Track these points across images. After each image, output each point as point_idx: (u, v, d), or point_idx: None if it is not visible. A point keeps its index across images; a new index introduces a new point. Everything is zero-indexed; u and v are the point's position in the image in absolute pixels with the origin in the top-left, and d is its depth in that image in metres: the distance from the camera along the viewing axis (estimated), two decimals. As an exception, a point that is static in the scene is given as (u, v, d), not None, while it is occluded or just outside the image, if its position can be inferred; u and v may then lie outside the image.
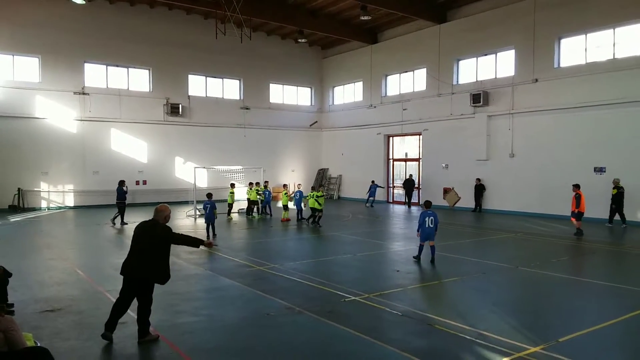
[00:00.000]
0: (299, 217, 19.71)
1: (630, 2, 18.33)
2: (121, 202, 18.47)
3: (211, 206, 15.12)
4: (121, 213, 18.51)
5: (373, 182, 27.27)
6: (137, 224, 6.68)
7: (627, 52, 18.76)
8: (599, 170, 19.32)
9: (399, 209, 25.97)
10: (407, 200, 26.99)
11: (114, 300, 6.56)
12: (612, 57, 19.15)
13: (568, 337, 6.47)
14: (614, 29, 19.12)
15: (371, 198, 26.76)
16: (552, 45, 20.85)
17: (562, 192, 18.97)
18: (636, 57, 18.31)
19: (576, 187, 16.17)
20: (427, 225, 11.52)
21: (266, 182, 23.73)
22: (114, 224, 18.47)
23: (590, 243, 14.61)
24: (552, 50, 20.84)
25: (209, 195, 15.74)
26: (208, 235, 15.18)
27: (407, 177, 27.43)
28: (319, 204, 18.19)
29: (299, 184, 24.04)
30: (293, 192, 21.31)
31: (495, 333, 6.58)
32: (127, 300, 6.43)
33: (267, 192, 22.22)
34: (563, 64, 20.73)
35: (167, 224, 6.62)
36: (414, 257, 11.81)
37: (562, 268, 11.38)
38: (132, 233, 6.55)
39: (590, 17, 19.46)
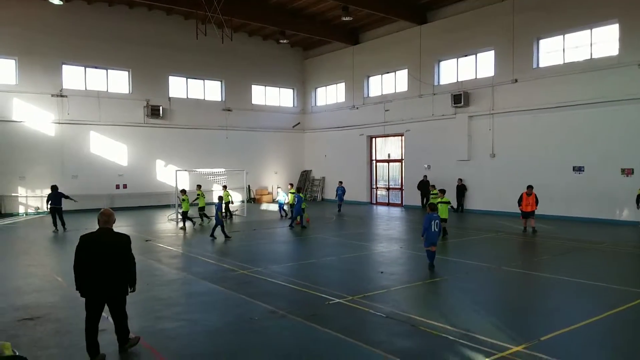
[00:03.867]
0: (292, 225, 18.64)
1: (607, 2, 18.69)
2: (57, 206, 18.04)
3: (217, 208, 16.04)
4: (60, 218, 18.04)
5: (340, 182, 25.53)
6: (84, 236, 5.93)
7: (604, 52, 19.12)
8: (578, 169, 19.64)
9: (382, 210, 26.05)
10: (425, 203, 24.41)
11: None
12: (589, 57, 19.50)
13: (550, 336, 6.54)
14: (591, 30, 19.47)
15: (339, 202, 24.62)
16: (530, 45, 21.15)
17: (543, 191, 19.19)
18: (612, 57, 18.68)
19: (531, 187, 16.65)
20: (432, 229, 10.90)
21: (291, 184, 24.78)
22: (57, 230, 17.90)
23: (570, 241, 14.83)
24: (531, 50, 21.13)
25: (220, 198, 16.62)
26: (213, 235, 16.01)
27: (422, 178, 25.32)
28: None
29: (290, 184, 24.54)
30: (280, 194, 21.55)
31: (478, 333, 6.62)
32: (97, 318, 5.90)
33: (298, 197, 18.95)
34: (542, 64, 21.04)
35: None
36: (430, 267, 10.90)
37: (543, 267, 11.53)
38: (80, 247, 5.78)
39: (568, 18, 19.78)
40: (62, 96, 24.71)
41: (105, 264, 5.75)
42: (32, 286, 9.77)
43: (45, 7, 23.27)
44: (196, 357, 6.08)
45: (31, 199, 24.11)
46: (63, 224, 17.95)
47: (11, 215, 23.29)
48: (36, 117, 24.06)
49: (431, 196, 19.76)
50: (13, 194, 23.63)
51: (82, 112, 25.20)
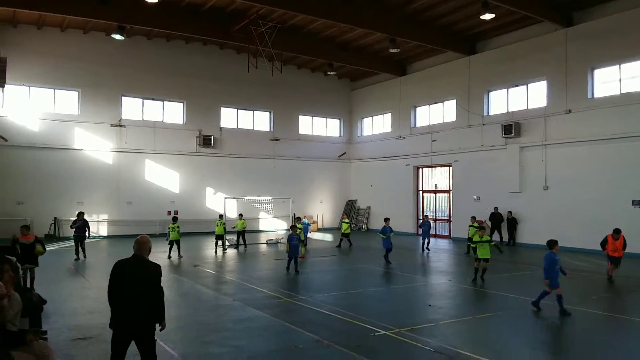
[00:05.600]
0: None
1: (666, 31, 18.02)
2: (82, 234, 17.78)
3: (297, 238, 15.20)
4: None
5: (387, 220, 18.21)
6: (118, 261, 5.53)
7: (664, 82, 18.33)
8: (638, 203, 18.64)
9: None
10: (499, 239, 22.96)
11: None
12: (647, 88, 18.73)
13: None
14: (649, 59, 18.75)
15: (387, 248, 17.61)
16: (585, 75, 20.55)
17: (600, 226, 18.31)
18: (674, 87, 17.86)
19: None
20: (556, 269, 9.86)
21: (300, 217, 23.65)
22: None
23: (633, 279, 13.98)
24: (585, 80, 20.53)
25: (293, 227, 16.19)
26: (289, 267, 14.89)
27: (493, 210, 23.37)
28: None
29: (304, 216, 24.56)
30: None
31: (533, 372, 6.29)
32: (123, 357, 5.42)
33: (306, 224, 21.67)
34: (597, 95, 20.36)
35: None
36: (562, 312, 9.58)
37: (603, 305, 10.89)
38: (112, 273, 5.42)
39: (624, 47, 19.15)
40: (120, 126, 25.99)
41: (131, 294, 5.27)
42: (86, 308, 10.11)
43: (108, 42, 24.76)
44: (241, 384, 6.06)
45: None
46: (84, 251, 17.82)
47: (69, 239, 24.32)
48: (96, 146, 25.36)
49: (469, 228, 18.94)
50: (71, 219, 24.67)
51: (139, 141, 26.38)
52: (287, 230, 22.43)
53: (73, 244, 17.96)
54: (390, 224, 17.82)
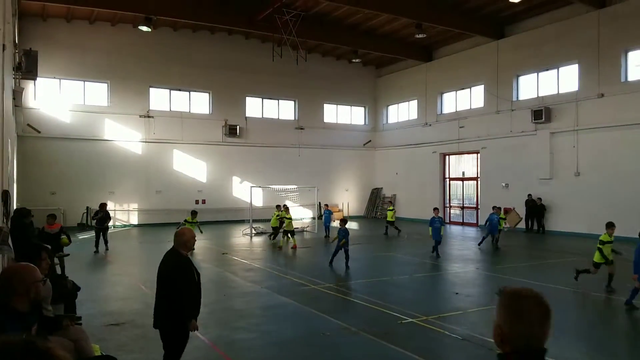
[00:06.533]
0: (327, 234, 20.54)
1: None
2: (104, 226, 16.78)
3: (345, 233, 13.66)
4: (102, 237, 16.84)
5: (436, 210, 17.26)
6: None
7: None
8: (675, 189, 18.05)
9: (456, 230, 25.25)
10: (535, 227, 22.69)
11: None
12: (686, 69, 18.01)
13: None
14: (688, 40, 18.02)
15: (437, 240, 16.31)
16: (618, 58, 19.88)
17: (632, 212, 17.83)
18: None
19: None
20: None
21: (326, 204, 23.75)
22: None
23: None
24: (619, 63, 19.86)
25: (344, 220, 14.37)
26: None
27: (527, 197, 22.88)
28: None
29: (326, 205, 24.40)
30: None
31: (563, 361, 6.21)
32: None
33: (327, 213, 21.78)
34: (630, 78, 19.69)
35: (189, 253, 5.40)
36: (628, 306, 9.09)
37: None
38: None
39: (661, 27, 18.44)
40: (149, 117, 26.41)
41: (157, 287, 5.16)
42: (118, 294, 10.40)
43: (135, 34, 25.12)
44: (270, 369, 6.16)
45: (119, 213, 25.77)
46: (106, 243, 16.85)
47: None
48: (125, 137, 25.86)
49: (500, 220, 18.00)
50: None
51: (167, 131, 26.78)
52: (322, 218, 22.36)
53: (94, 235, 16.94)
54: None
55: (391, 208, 22.88)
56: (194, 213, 17.46)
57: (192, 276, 5.13)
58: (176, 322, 4.98)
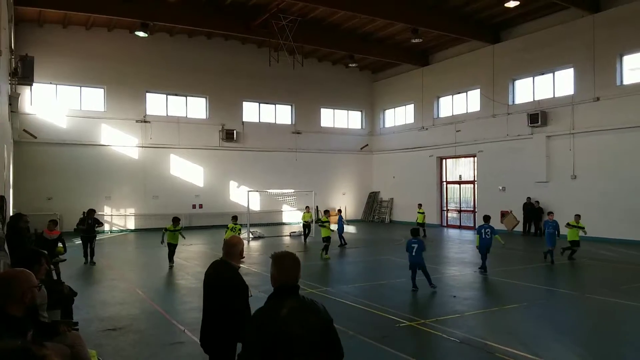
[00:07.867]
0: (342, 243, 19.15)
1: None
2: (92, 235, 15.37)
3: (419, 246, 11.21)
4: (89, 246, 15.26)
5: (339, 211, 21.18)
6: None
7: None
8: (671, 191, 18.12)
9: (454, 233, 25.28)
10: (532, 229, 22.94)
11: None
12: (681, 73, 18.12)
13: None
14: (682, 43, 18.13)
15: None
16: (613, 62, 20.00)
17: (628, 215, 17.89)
18: None
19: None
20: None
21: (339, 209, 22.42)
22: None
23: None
24: (614, 67, 19.98)
25: (415, 231, 11.86)
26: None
27: (526, 200, 22.93)
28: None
29: (339, 210, 22.40)
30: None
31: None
32: None
33: (340, 220, 19.75)
34: (626, 82, 19.81)
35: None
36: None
37: (633, 295, 10.65)
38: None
39: (655, 31, 18.56)
40: (145, 122, 26.39)
41: (205, 304, 4.74)
42: (115, 299, 10.35)
43: (131, 40, 25.09)
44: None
45: (116, 218, 25.71)
46: (92, 255, 15.07)
47: (98, 233, 24.88)
48: (122, 142, 25.81)
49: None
50: (99, 213, 25.21)
51: (163, 136, 26.76)
52: (321, 222, 17.67)
53: (82, 244, 15.33)
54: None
55: (421, 211, 23.19)
56: (176, 220, 15.35)
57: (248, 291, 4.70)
58: (233, 343, 4.54)
